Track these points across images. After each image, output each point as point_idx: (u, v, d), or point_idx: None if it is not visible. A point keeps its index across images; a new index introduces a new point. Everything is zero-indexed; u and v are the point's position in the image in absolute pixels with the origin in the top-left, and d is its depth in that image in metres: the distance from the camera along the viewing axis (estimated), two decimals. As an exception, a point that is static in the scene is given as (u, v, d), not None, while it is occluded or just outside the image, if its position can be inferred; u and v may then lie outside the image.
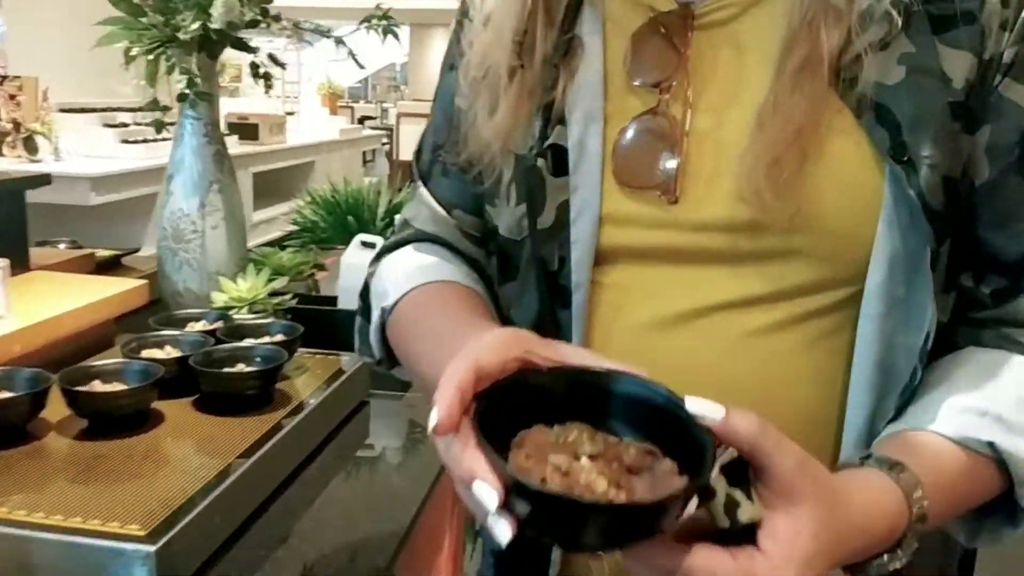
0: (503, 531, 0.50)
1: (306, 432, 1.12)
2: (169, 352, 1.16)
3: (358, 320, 0.88)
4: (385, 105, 9.94)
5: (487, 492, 0.50)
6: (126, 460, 0.95)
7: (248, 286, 1.39)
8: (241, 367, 1.13)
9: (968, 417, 0.63)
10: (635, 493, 0.50)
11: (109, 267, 1.68)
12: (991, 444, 0.62)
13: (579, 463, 0.52)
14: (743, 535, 0.51)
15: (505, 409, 0.54)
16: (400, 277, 0.80)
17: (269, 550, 0.92)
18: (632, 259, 0.70)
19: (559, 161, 0.71)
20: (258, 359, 1.14)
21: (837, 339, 0.67)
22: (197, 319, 1.29)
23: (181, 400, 1.11)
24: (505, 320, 0.78)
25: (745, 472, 0.52)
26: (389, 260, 0.85)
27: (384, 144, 10.94)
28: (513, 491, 0.50)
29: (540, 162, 0.71)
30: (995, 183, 0.66)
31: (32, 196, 1.63)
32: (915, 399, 0.67)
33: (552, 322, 0.72)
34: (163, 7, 1.34)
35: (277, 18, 1.40)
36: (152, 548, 0.79)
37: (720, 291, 0.67)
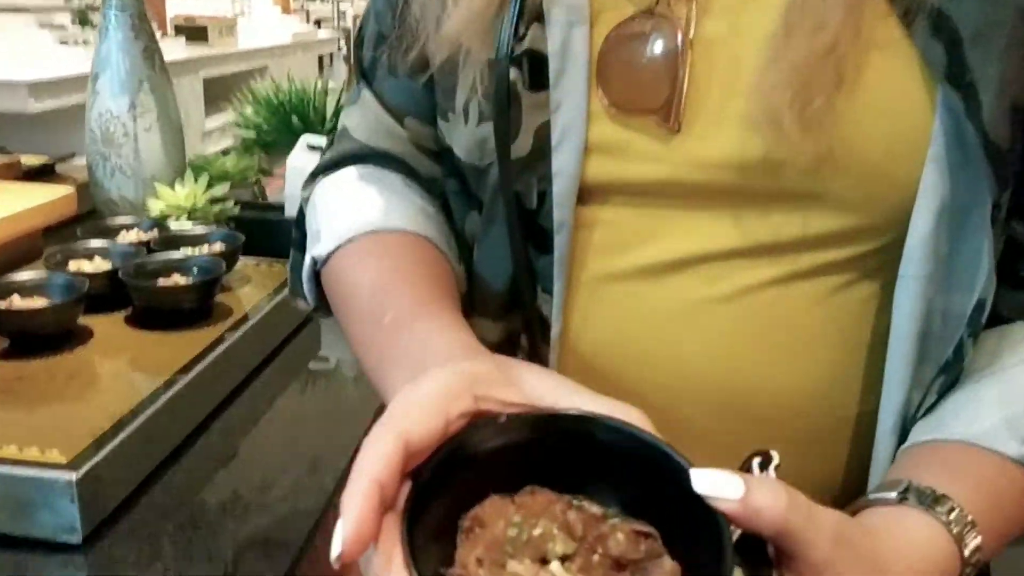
0: None
1: (250, 346, 1.06)
2: (98, 264, 1.07)
3: (292, 254, 0.74)
4: (342, 6, 9.57)
5: None
6: (49, 381, 0.88)
7: (186, 193, 1.29)
8: (177, 279, 1.05)
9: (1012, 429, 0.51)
10: None
11: (39, 176, 1.57)
12: None
13: (548, 573, 0.38)
14: None
15: (451, 482, 0.40)
16: (337, 218, 0.65)
17: (210, 472, 0.86)
18: (623, 196, 0.57)
19: (536, 71, 0.56)
20: (195, 270, 1.07)
21: (865, 300, 0.56)
22: (130, 227, 1.20)
23: (112, 315, 1.03)
24: (472, 259, 0.65)
25: (759, 549, 0.40)
26: (325, 188, 0.69)
27: (341, 48, 10.56)
28: None
29: (514, 72, 0.56)
30: None
31: None
32: (962, 388, 0.55)
33: (528, 270, 0.60)
34: None
35: None
36: (74, 476, 0.72)
37: (725, 237, 0.55)
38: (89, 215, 1.42)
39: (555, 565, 0.38)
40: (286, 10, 6.73)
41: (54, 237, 1.30)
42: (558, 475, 0.42)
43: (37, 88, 3.61)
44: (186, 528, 0.78)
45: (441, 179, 0.69)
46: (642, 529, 0.40)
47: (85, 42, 3.73)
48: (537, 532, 0.39)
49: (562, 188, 0.56)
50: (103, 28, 1.35)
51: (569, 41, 0.56)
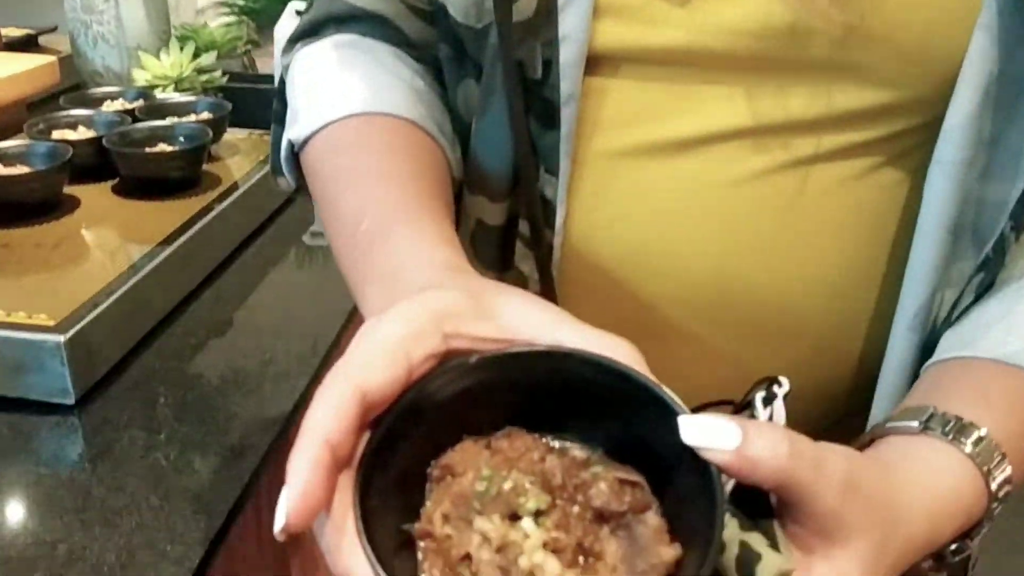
0: None
1: (240, 216, 1.04)
2: (82, 133, 1.05)
3: (273, 128, 0.67)
4: None
5: None
6: (35, 249, 0.87)
7: (171, 62, 1.26)
8: (163, 147, 1.02)
9: None
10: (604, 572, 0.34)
11: (22, 48, 1.52)
12: None
13: (519, 530, 0.34)
14: None
15: (416, 431, 0.36)
16: (316, 98, 0.57)
17: (202, 338, 0.86)
18: (635, 66, 0.51)
19: None
20: (181, 139, 1.04)
21: (893, 187, 0.50)
22: (115, 98, 1.17)
23: (99, 184, 1.01)
24: (468, 135, 0.58)
25: (758, 498, 0.36)
26: (304, 60, 0.61)
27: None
28: None
29: None
30: None
31: None
32: (996, 298, 0.51)
33: (531, 148, 0.53)
34: None
35: None
36: (62, 338, 0.72)
37: (744, 114, 0.50)
38: (74, 88, 1.39)
39: (527, 522, 0.34)
40: None
41: (38, 110, 1.27)
42: (537, 419, 0.37)
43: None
44: (178, 391, 0.78)
45: (434, 44, 0.60)
46: (627, 477, 0.35)
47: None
48: (507, 486, 0.35)
49: (569, 55, 0.50)
50: None
51: None
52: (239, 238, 1.04)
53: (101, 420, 0.74)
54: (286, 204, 1.15)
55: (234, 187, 1.03)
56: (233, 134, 1.19)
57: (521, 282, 0.55)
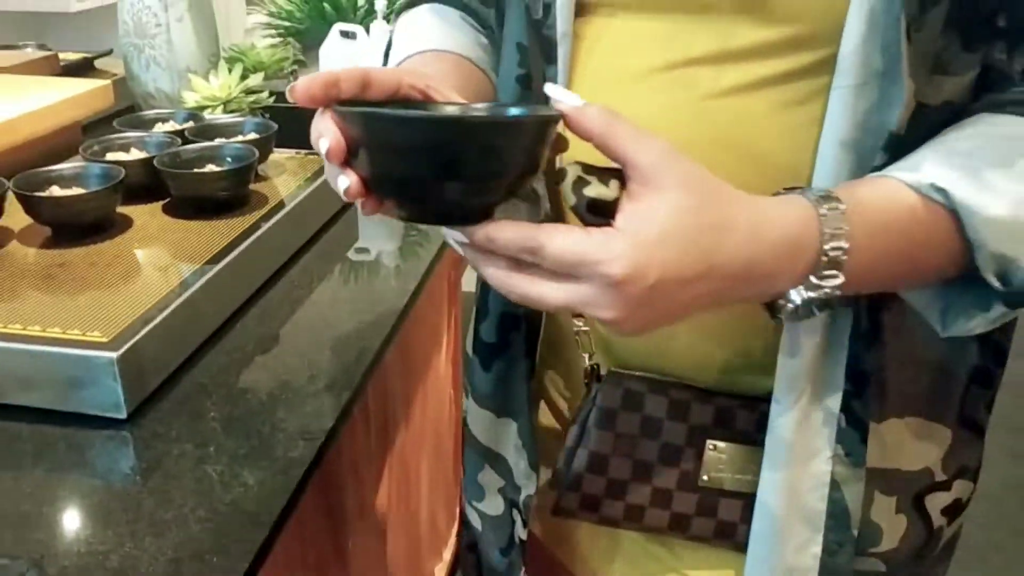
0: (343, 184, 0.49)
1: (286, 234, 1.07)
2: (134, 155, 1.08)
3: None
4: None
5: (322, 142, 0.49)
6: (90, 267, 0.90)
7: (220, 84, 1.29)
8: (211, 167, 1.05)
9: (932, 165, 0.54)
10: None
11: (78, 72, 1.57)
12: (943, 191, 0.53)
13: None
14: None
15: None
16: (405, 44, 0.76)
17: (249, 354, 0.88)
18: (610, 9, 0.63)
19: None
20: (229, 159, 1.07)
21: (811, 107, 0.57)
22: (165, 120, 1.21)
23: (150, 205, 1.05)
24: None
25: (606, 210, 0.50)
26: (401, 23, 0.82)
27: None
28: (348, 124, 0.48)
29: None
30: None
31: (8, 4, 1.51)
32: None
33: (542, 77, 0.66)
34: None
35: None
36: (115, 355, 0.74)
37: (694, 46, 0.60)
38: (128, 110, 1.43)
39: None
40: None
41: (93, 132, 1.31)
42: None
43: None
44: (225, 405, 0.80)
45: (492, 21, 0.80)
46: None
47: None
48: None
49: (563, 1, 0.63)
50: (130, -84, 1.33)
51: None
52: (285, 255, 1.06)
53: (151, 434, 0.76)
54: (331, 221, 1.17)
55: (280, 205, 1.06)
56: (280, 154, 1.22)
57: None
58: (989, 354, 0.68)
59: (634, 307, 0.48)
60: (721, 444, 0.66)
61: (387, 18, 1.40)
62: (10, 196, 0.97)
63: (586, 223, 0.50)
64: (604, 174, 0.50)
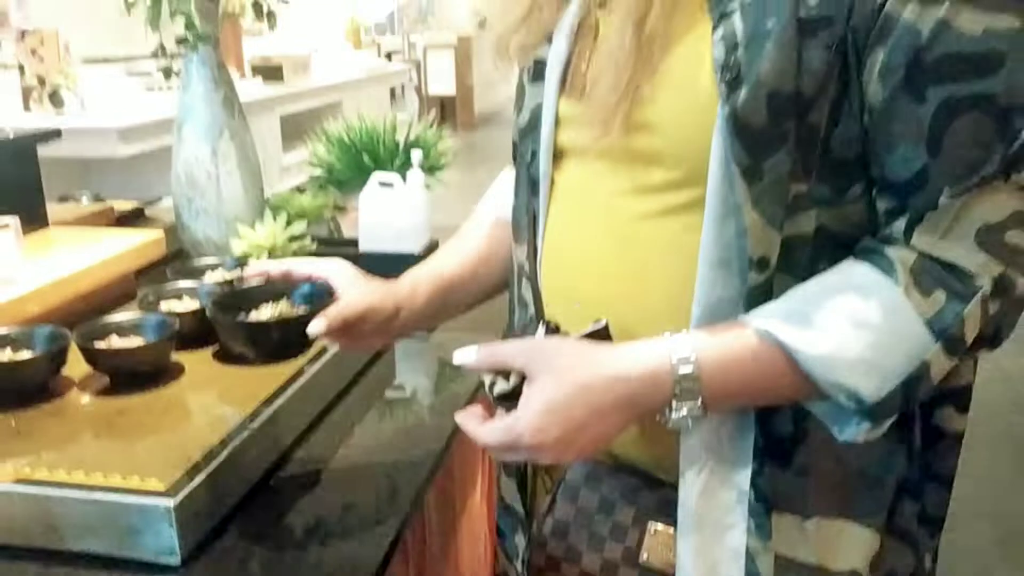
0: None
1: (329, 378, 1.11)
2: (187, 304, 1.15)
3: None
4: (412, 38, 9.78)
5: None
6: (146, 414, 0.95)
7: (267, 232, 1.37)
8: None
9: (772, 309, 0.69)
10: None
11: (131, 220, 1.67)
12: (770, 333, 0.68)
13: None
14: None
15: None
16: (488, 201, 1.03)
17: (295, 496, 0.92)
18: (574, 157, 0.81)
19: (539, 72, 0.83)
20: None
21: (696, 233, 0.71)
22: (215, 268, 1.28)
23: (201, 352, 1.10)
24: None
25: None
26: (502, 175, 1.02)
27: (412, 79, 10.78)
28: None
29: (524, 74, 0.85)
30: (887, 105, 0.66)
31: (60, 151, 1.61)
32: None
33: (531, 209, 0.86)
34: (159, -51, 1.30)
35: (277, -47, 1.35)
36: (172, 503, 0.78)
37: (621, 183, 0.77)
38: (177, 254, 1.51)
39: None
40: (357, 46, 6.93)
41: (146, 276, 1.39)
42: None
43: (126, 133, 3.79)
44: (274, 549, 0.83)
45: None
46: None
47: (170, 88, 3.90)
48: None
49: (544, 148, 0.82)
50: (185, 80, 1.44)
51: (558, 51, 0.80)
52: (328, 398, 1.11)
53: (204, 579, 0.79)
54: (370, 364, 1.22)
55: (323, 351, 1.11)
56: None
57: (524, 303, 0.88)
58: (918, 468, 0.76)
59: (557, 451, 0.69)
60: (660, 527, 0.76)
61: (422, 167, 1.48)
62: (73, 345, 1.03)
63: (505, 409, 0.72)
64: (506, 375, 0.72)
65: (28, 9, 4.26)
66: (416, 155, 1.47)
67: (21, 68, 3.99)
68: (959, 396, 0.77)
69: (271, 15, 1.43)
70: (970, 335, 0.67)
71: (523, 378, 0.70)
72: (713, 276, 0.71)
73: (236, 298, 0.99)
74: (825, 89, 0.67)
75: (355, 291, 0.90)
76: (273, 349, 0.95)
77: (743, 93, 0.66)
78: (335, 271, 0.92)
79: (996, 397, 3.21)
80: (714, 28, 0.68)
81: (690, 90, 0.70)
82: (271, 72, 4.96)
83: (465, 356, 0.73)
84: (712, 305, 0.71)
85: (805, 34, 0.66)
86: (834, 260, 0.70)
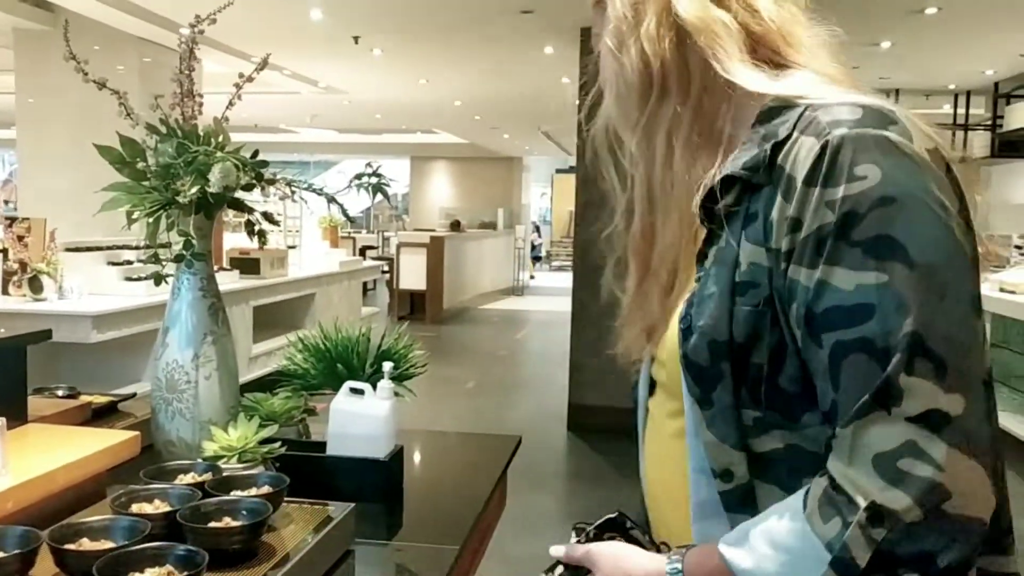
0: None
1: (290, 585, 1.14)
2: (158, 506, 1.19)
3: None
4: (386, 234, 10.12)
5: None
6: (110, 620, 0.97)
7: (238, 435, 1.42)
8: (227, 521, 1.15)
9: (732, 530, 0.86)
10: None
11: (105, 413, 1.71)
12: (719, 551, 0.84)
13: None
14: None
15: None
16: None
17: None
18: (657, 389, 1.03)
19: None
20: (244, 512, 1.17)
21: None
22: (186, 471, 1.32)
23: (168, 554, 1.13)
24: None
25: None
26: None
27: (384, 273, 11.09)
28: None
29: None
30: (804, 349, 0.83)
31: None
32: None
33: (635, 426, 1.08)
34: (164, 173, 1.42)
35: (272, 181, 1.48)
36: None
37: (665, 406, 0.99)
38: (148, 449, 1.55)
39: None
40: (334, 244, 7.19)
41: (117, 473, 1.42)
42: None
43: (99, 321, 3.87)
44: None
45: None
46: None
47: (148, 277, 4.03)
48: None
49: (642, 380, 1.05)
50: (175, 288, 1.54)
51: None
52: (288, 607, 1.13)
53: None
54: (331, 571, 1.25)
55: (285, 559, 1.14)
56: (287, 504, 1.32)
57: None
58: None
59: None
60: None
61: (392, 378, 1.56)
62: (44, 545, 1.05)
63: None
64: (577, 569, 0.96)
65: (18, 191, 4.43)
66: (387, 366, 1.56)
67: (4, 252, 4.11)
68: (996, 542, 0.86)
69: (262, 234, 1.55)
70: (861, 559, 0.76)
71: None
72: (697, 479, 0.91)
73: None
74: (759, 336, 0.85)
75: None
76: None
77: (693, 339, 0.88)
78: None
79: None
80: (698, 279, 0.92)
81: (672, 332, 0.94)
82: (248, 265, 5.13)
83: (556, 551, 0.96)
84: (701, 503, 0.91)
85: (736, 294, 0.86)
86: (814, 474, 0.82)
